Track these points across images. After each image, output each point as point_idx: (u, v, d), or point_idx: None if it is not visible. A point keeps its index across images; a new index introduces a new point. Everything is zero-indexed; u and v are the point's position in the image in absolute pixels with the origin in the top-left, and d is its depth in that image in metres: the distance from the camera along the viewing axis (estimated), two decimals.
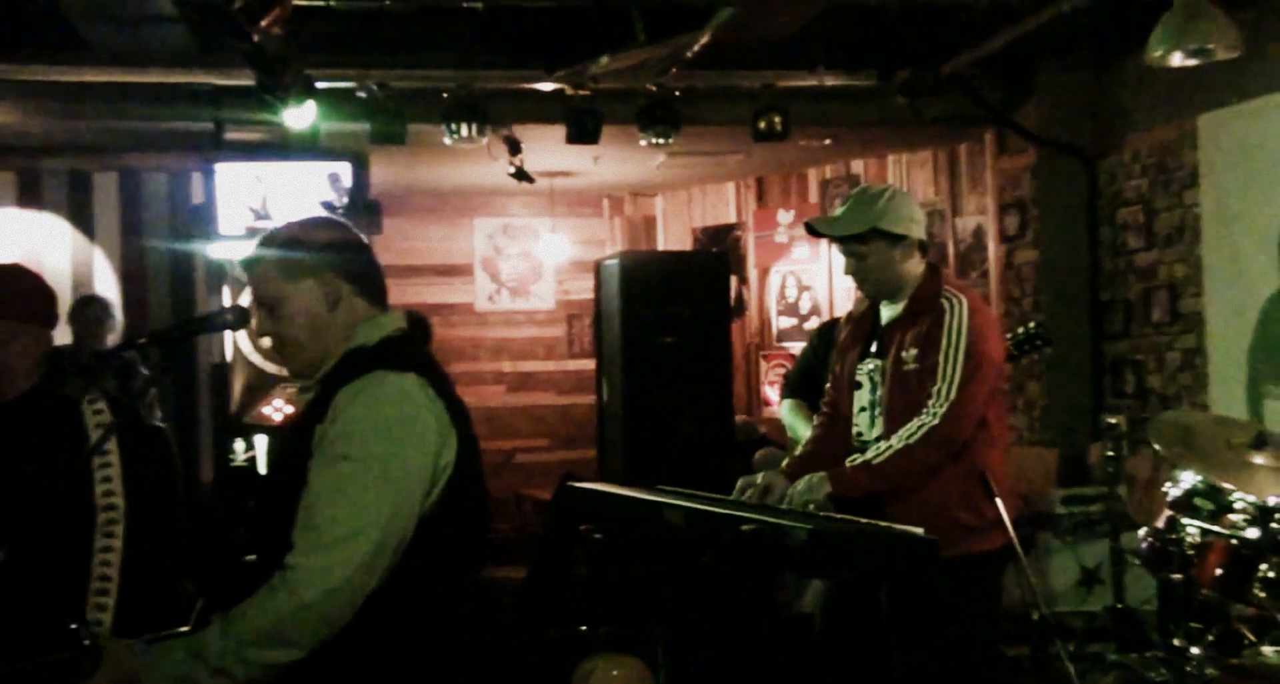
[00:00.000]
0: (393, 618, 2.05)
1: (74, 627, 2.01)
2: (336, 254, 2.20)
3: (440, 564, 2.12)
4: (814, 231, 3.45)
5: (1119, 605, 4.33)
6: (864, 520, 2.81)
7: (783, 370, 8.32)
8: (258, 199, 6.26)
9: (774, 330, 8.54)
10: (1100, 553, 4.93)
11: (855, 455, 3.18)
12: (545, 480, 7.87)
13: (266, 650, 1.96)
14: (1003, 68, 6.24)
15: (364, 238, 2.28)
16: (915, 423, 3.11)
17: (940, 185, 7.46)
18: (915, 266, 3.30)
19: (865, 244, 3.27)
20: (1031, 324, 4.15)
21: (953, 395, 3.10)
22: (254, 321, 2.26)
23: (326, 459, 2.04)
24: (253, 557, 2.20)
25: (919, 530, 2.70)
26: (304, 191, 6.13)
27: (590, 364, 8.21)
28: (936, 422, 3.09)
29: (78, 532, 2.63)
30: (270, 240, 2.21)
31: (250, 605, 1.98)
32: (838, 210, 3.40)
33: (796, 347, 8.14)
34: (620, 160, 7.37)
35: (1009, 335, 4.15)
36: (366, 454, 2.02)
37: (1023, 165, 6.66)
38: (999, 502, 3.17)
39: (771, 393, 8.40)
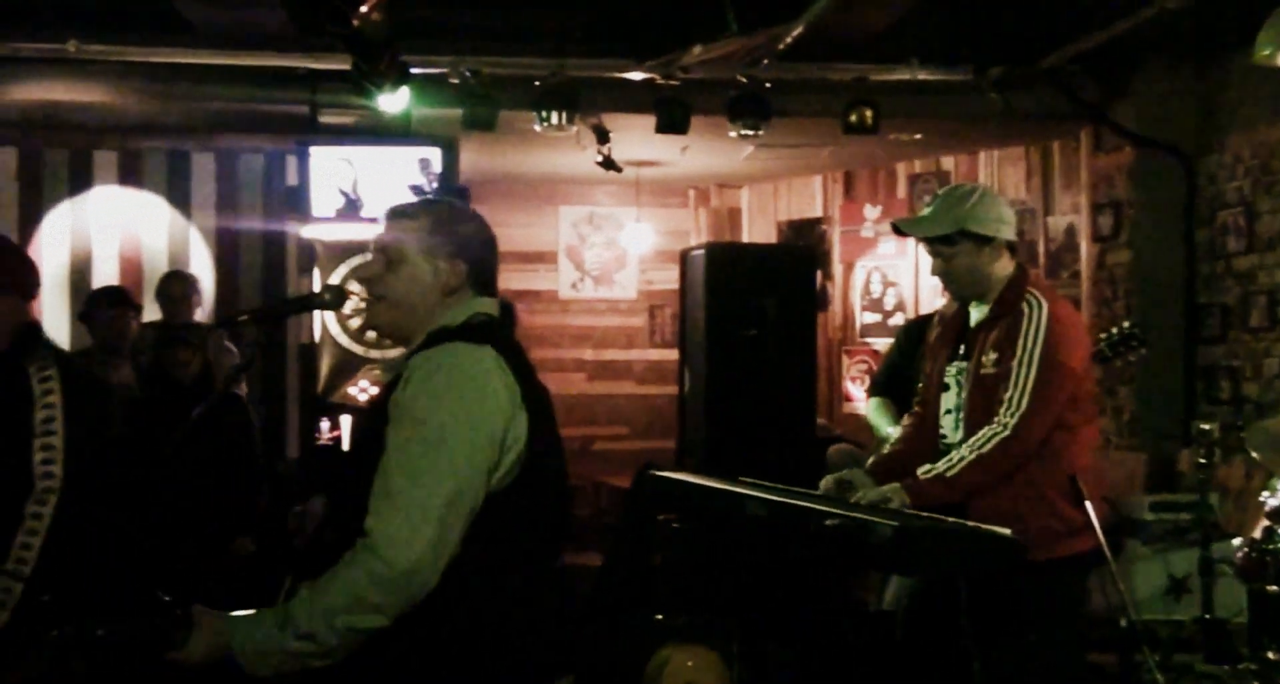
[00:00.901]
0: (470, 595, 2.07)
1: (166, 598, 2.05)
2: (471, 249, 2.26)
3: (515, 544, 2.13)
4: (900, 231, 3.42)
5: (1208, 616, 4.23)
6: (950, 519, 2.78)
7: (865, 366, 8.26)
8: (349, 182, 6.35)
9: (857, 326, 8.48)
10: (1189, 562, 4.82)
11: (928, 466, 3.14)
12: (623, 469, 7.89)
13: (351, 616, 2.00)
14: (1101, 63, 6.12)
15: (492, 232, 2.34)
16: (986, 432, 3.07)
17: (1032, 183, 7.34)
18: (1003, 268, 3.25)
19: (952, 245, 3.23)
20: (1126, 324, 4.07)
21: (1024, 405, 3.05)
22: (364, 265, 2.30)
23: (399, 424, 2.08)
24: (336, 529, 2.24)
25: (1006, 531, 2.67)
26: (394, 175, 6.20)
27: (670, 354, 8.22)
28: (1006, 432, 3.04)
29: (10, 499, 2.69)
30: (425, 208, 2.29)
31: (335, 573, 2.02)
32: (925, 210, 3.36)
33: (880, 342, 8.07)
34: (708, 151, 7.36)
35: (1102, 335, 4.07)
36: (438, 420, 2.05)
37: (1119, 164, 6.52)
38: (1089, 505, 3.12)
39: (853, 388, 8.34)
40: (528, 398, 2.14)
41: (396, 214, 2.29)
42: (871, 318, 8.38)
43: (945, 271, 3.26)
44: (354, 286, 2.35)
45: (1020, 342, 3.10)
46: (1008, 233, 3.24)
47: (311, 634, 1.99)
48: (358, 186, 6.32)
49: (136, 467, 4.75)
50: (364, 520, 2.04)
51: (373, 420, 2.18)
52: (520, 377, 2.16)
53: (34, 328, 2.90)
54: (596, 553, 6.03)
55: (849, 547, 2.66)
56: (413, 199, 2.35)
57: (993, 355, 3.16)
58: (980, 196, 3.25)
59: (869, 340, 8.34)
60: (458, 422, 2.05)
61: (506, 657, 2.11)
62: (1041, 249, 7.17)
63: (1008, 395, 3.06)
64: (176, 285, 5.93)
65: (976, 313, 3.30)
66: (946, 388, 3.32)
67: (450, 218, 2.29)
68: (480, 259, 2.28)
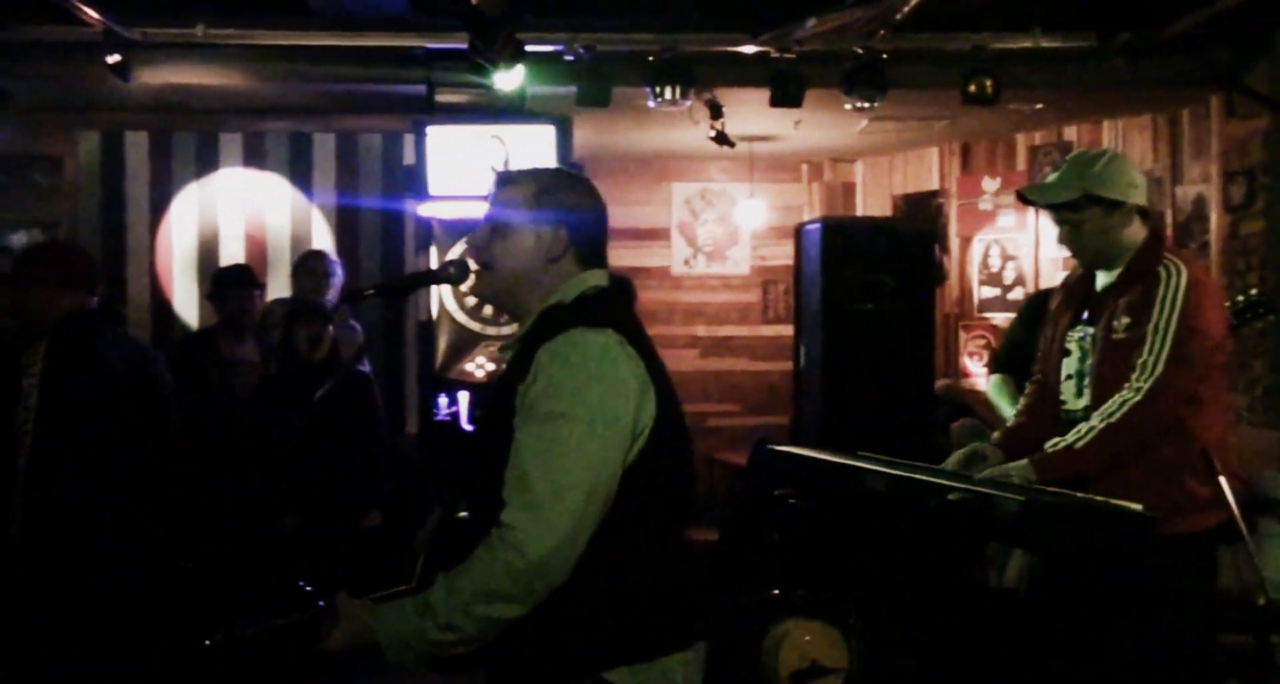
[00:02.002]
0: (602, 569, 2.09)
1: (309, 588, 2.10)
2: (575, 218, 2.26)
3: (645, 520, 2.15)
4: (1026, 200, 3.34)
5: None
6: (1078, 494, 2.72)
7: (984, 341, 8.11)
8: (464, 160, 6.41)
9: (975, 300, 8.33)
10: None
11: (1056, 440, 3.07)
12: (737, 446, 7.88)
13: (491, 606, 2.03)
14: (1234, 27, 5.89)
15: (601, 200, 2.33)
16: (1117, 399, 2.98)
17: (1160, 152, 7.12)
18: (1135, 233, 3.16)
19: (1079, 211, 3.15)
20: (1254, 291, 3.94)
21: (1158, 370, 2.96)
22: (472, 235, 2.33)
23: (531, 418, 2.09)
24: (466, 514, 2.28)
25: (1136, 506, 2.60)
26: (515, 153, 6.24)
27: (784, 330, 8.16)
28: (1139, 398, 2.95)
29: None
30: (531, 175, 2.29)
31: (473, 564, 2.05)
32: (1050, 177, 3.28)
33: (999, 317, 7.92)
34: (821, 125, 7.28)
35: (1228, 303, 3.94)
36: (570, 411, 2.06)
37: (1253, 131, 6.29)
38: (1222, 480, 3.03)
39: (971, 364, 8.21)
40: (654, 377, 2.15)
41: (502, 182, 2.30)
42: (990, 292, 8.23)
43: (1074, 239, 3.18)
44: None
45: (1157, 306, 3.01)
46: (1138, 197, 3.15)
47: (453, 625, 2.03)
48: (477, 165, 6.39)
49: (264, 440, 4.90)
50: (495, 508, 2.06)
51: (498, 406, 2.20)
52: (643, 355, 2.17)
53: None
54: (712, 529, 6.04)
55: (973, 521, 2.63)
56: (540, 168, 2.35)
57: (1125, 320, 3.07)
58: (1109, 160, 3.16)
59: (987, 315, 8.19)
60: (591, 414, 2.06)
61: (640, 627, 2.13)
62: (1170, 219, 6.96)
63: (1142, 360, 2.98)
64: (318, 263, 6.06)
65: (1104, 278, 3.22)
66: (1068, 353, 3.25)
67: (554, 185, 2.28)
68: (585, 226, 2.27)
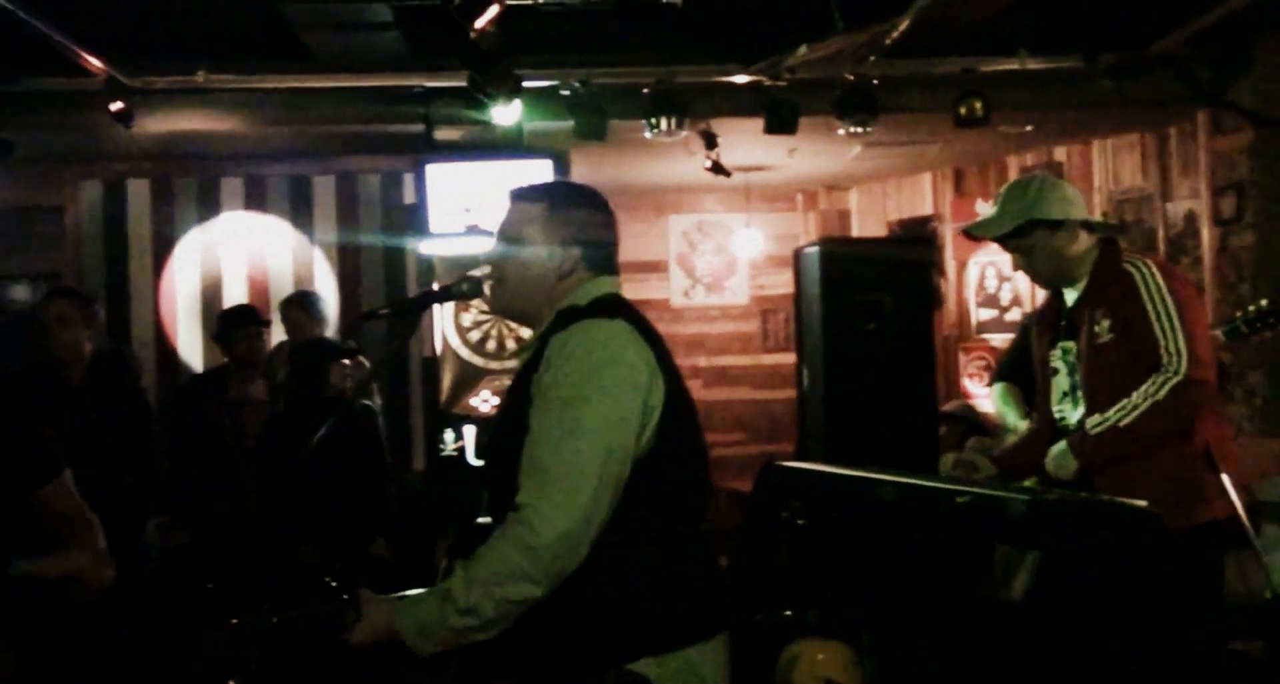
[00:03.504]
0: (620, 557, 2.14)
1: (333, 583, 2.15)
2: (586, 232, 2.32)
3: (661, 507, 2.19)
4: (972, 236, 3.43)
5: None
6: (1083, 493, 2.77)
7: (983, 363, 8.17)
8: (465, 198, 6.49)
9: (973, 322, 8.40)
10: None
11: (1099, 417, 3.11)
12: (742, 474, 7.91)
13: (509, 587, 2.06)
14: (1216, 44, 6.00)
15: (611, 211, 2.39)
16: (1157, 379, 3.02)
17: (1149, 170, 7.21)
18: (1085, 246, 3.25)
19: (1026, 237, 3.25)
20: (1265, 302, 4.01)
21: (1184, 349, 3.03)
22: (489, 250, 2.38)
23: (545, 404, 2.15)
24: (487, 519, 2.32)
25: (1141, 503, 2.65)
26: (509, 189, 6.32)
27: (785, 359, 8.23)
28: (1179, 376, 3.00)
29: None
30: (543, 191, 2.36)
31: (490, 547, 2.10)
32: (990, 211, 3.37)
33: (997, 338, 7.98)
34: (815, 153, 7.37)
35: (1239, 313, 4.01)
36: (581, 395, 2.12)
37: (1239, 146, 6.38)
38: (1224, 476, 3.08)
39: (971, 385, 8.26)
40: (663, 364, 2.21)
41: (516, 197, 2.37)
42: (988, 314, 8.30)
43: (1028, 265, 3.29)
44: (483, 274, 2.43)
45: (1147, 302, 3.09)
46: (1078, 212, 3.25)
47: (472, 608, 2.06)
48: (474, 202, 6.46)
49: (276, 477, 4.94)
50: (514, 497, 2.11)
51: (515, 400, 2.25)
52: (652, 343, 2.24)
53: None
54: (721, 555, 6.06)
55: (982, 523, 2.67)
56: (554, 183, 2.43)
57: (1105, 323, 3.15)
58: (1041, 183, 3.28)
59: (986, 336, 8.26)
60: (602, 397, 2.12)
61: (662, 616, 2.17)
62: (1161, 236, 7.04)
63: (1163, 349, 3.04)
64: (294, 310, 6.08)
65: (1072, 294, 3.30)
66: (1055, 372, 3.32)
67: (567, 200, 2.35)
68: (596, 241, 2.33)
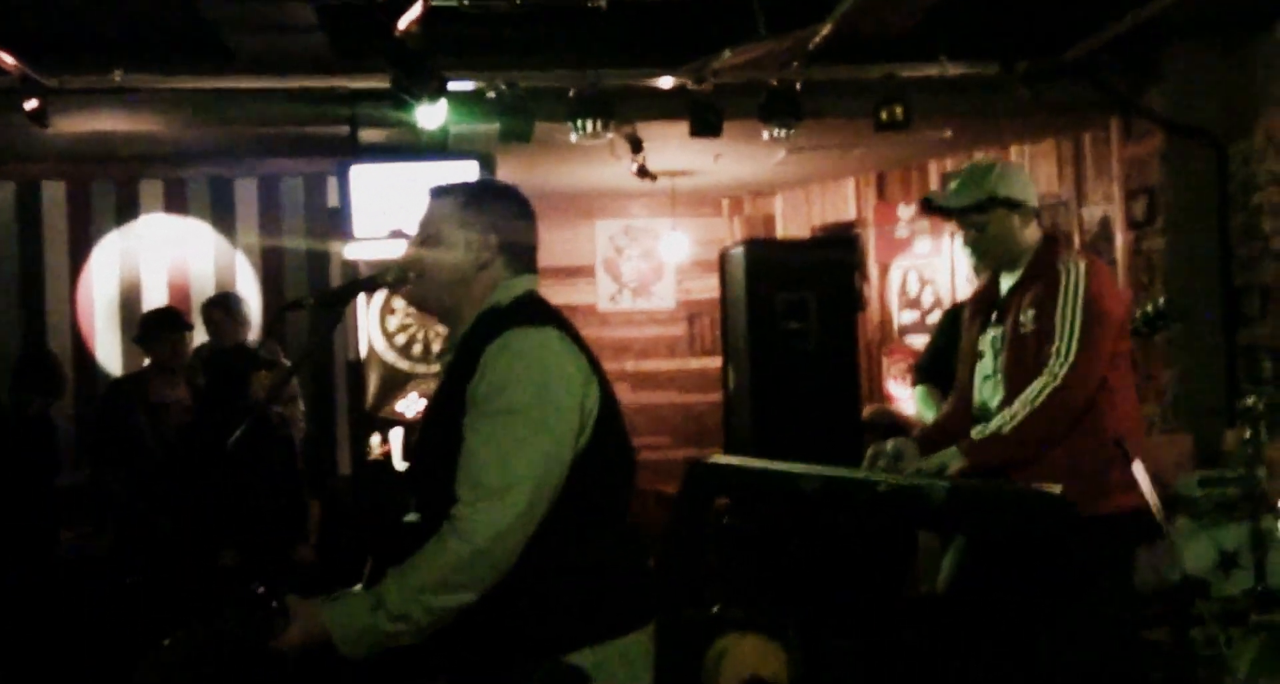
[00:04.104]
0: (556, 555, 2.16)
1: (261, 590, 2.13)
2: (502, 225, 2.33)
3: (594, 503, 2.22)
4: (932, 207, 3.50)
5: (1259, 588, 4.24)
6: (1001, 481, 2.84)
7: (906, 365, 8.29)
8: (389, 200, 6.45)
9: (895, 326, 8.52)
10: (1239, 536, 4.82)
11: (983, 426, 3.20)
12: (668, 477, 7.94)
13: (443, 595, 2.08)
14: (1128, 51, 6.16)
15: (530, 208, 2.40)
16: (1037, 385, 3.12)
17: (1064, 175, 7.38)
18: (1033, 234, 3.35)
19: (985, 213, 3.32)
20: (1161, 300, 4.13)
21: (1073, 354, 3.11)
22: (408, 244, 2.39)
23: (481, 414, 2.15)
24: (415, 517, 2.32)
25: (1056, 488, 2.72)
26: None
27: (711, 362, 8.29)
28: (1058, 382, 3.09)
29: None
30: (460, 186, 2.38)
31: (423, 555, 2.10)
32: (951, 186, 3.45)
33: (919, 341, 8.10)
34: (740, 158, 7.44)
35: (1136, 313, 4.12)
36: (519, 405, 2.13)
37: (1150, 151, 6.55)
38: (1136, 465, 3.16)
39: (894, 388, 8.38)
40: (595, 369, 2.23)
41: (434, 193, 2.38)
42: (910, 317, 8.42)
43: (978, 242, 3.34)
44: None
45: (1061, 295, 3.17)
46: (1034, 200, 3.35)
47: (405, 615, 2.07)
48: (398, 205, 6.42)
49: (194, 480, 4.90)
50: (444, 505, 2.12)
51: (444, 408, 2.25)
52: (582, 350, 2.26)
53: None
54: (649, 556, 6.08)
55: (904, 511, 2.73)
56: (468, 180, 2.44)
57: (1030, 312, 3.23)
58: (1004, 166, 3.40)
59: (909, 339, 8.38)
60: (540, 407, 2.14)
61: (597, 607, 2.19)
62: (1076, 240, 7.20)
63: (1055, 347, 3.13)
64: (217, 312, 6.04)
65: (1008, 280, 3.37)
66: (981, 355, 3.39)
67: (483, 195, 2.37)
68: (514, 233, 2.34)
